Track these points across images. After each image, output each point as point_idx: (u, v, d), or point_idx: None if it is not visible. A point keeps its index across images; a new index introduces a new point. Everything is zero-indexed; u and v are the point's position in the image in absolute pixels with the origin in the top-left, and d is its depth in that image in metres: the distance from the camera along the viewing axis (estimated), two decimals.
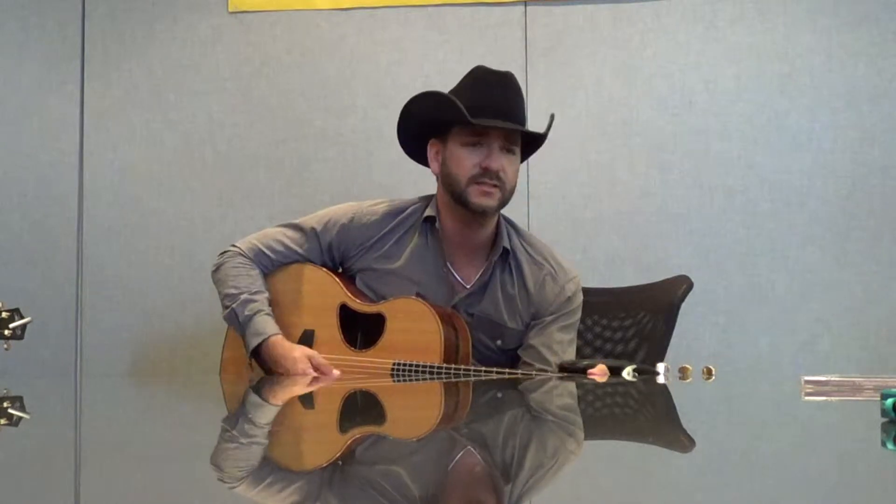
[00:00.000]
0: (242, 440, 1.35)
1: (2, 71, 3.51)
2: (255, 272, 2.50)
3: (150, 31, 3.48)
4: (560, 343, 2.46)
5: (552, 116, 2.53)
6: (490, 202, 2.42)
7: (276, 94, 3.43)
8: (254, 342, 2.41)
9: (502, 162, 2.42)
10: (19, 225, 3.47)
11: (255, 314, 2.43)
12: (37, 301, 3.30)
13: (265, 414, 1.78)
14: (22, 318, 2.44)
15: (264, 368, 2.44)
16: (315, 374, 2.36)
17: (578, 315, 2.54)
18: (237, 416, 1.73)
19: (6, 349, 2.41)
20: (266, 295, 2.48)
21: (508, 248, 2.49)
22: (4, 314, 2.43)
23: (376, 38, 3.41)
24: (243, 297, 2.45)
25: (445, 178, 2.48)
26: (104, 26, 3.49)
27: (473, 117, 2.37)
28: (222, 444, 1.31)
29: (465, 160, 2.42)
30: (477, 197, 2.42)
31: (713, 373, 2.16)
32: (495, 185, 2.42)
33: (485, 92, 2.42)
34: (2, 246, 3.46)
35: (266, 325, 2.42)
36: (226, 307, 2.48)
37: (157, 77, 3.47)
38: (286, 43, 3.44)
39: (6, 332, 2.42)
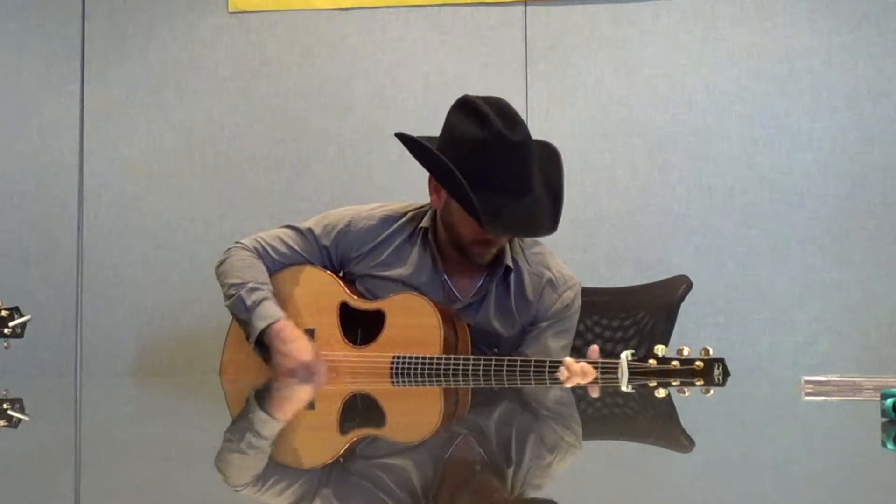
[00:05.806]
0: (243, 441, 1.35)
1: (2, 71, 3.51)
2: (261, 265, 2.50)
3: (150, 31, 3.48)
4: (553, 350, 2.46)
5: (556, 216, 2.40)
6: (489, 256, 2.45)
7: (276, 94, 3.43)
8: (261, 325, 2.39)
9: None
10: (19, 225, 3.47)
11: (262, 300, 2.42)
12: (37, 301, 3.30)
13: (266, 420, 1.78)
14: (21, 315, 2.44)
15: (265, 359, 2.43)
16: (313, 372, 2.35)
17: (575, 321, 2.54)
18: (239, 418, 1.73)
19: (6, 347, 2.41)
20: (270, 288, 2.47)
21: (511, 265, 2.48)
22: (4, 312, 2.43)
23: (376, 38, 3.41)
24: (250, 284, 2.44)
25: (447, 223, 2.45)
26: (104, 26, 3.49)
27: (485, 208, 2.28)
28: (223, 444, 1.31)
29: (471, 226, 2.37)
30: (476, 255, 2.44)
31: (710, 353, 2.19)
32: (495, 245, 2.43)
33: (499, 171, 2.32)
34: (2, 246, 3.46)
35: (274, 310, 2.42)
36: (230, 296, 2.45)
37: (157, 77, 3.47)
38: (286, 43, 3.44)
39: (6, 330, 2.41)
